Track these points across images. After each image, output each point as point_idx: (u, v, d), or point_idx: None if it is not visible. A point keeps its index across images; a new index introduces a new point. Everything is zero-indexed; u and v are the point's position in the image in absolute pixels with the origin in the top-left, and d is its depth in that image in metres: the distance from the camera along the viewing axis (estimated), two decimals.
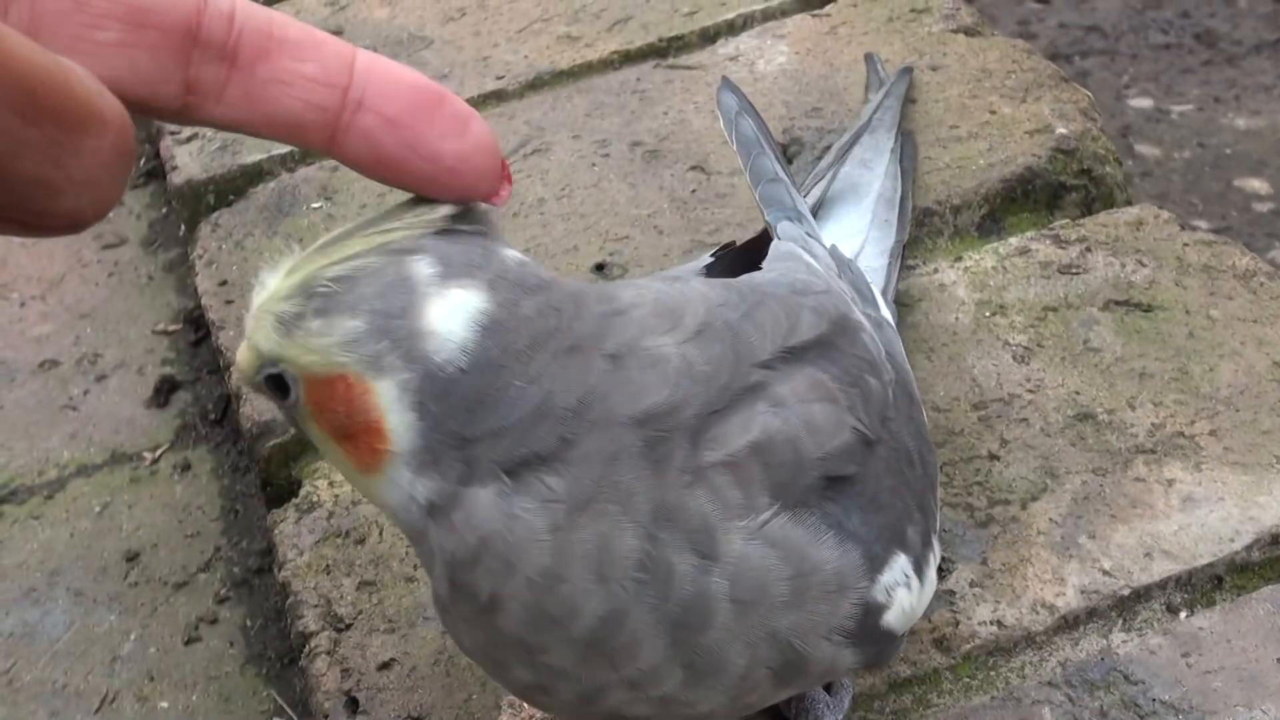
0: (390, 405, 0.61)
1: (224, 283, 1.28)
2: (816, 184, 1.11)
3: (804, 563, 0.67)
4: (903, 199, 1.11)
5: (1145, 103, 2.03)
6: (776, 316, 0.73)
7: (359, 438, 0.62)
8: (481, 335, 0.61)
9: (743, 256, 0.92)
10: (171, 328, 1.44)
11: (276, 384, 0.64)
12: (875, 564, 0.71)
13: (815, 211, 1.08)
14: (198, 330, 1.41)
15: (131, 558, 1.24)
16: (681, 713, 0.72)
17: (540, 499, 0.62)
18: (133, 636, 1.17)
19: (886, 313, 0.95)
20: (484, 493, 0.62)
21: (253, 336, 0.64)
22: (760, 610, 0.66)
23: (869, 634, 0.71)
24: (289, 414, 0.66)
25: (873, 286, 0.96)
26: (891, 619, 0.72)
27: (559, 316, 0.64)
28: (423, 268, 0.61)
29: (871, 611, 0.71)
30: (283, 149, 1.41)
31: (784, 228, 0.95)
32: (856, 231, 1.07)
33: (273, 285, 0.63)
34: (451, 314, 0.61)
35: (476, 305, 0.61)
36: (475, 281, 0.62)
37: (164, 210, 1.57)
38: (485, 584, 0.64)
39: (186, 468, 1.32)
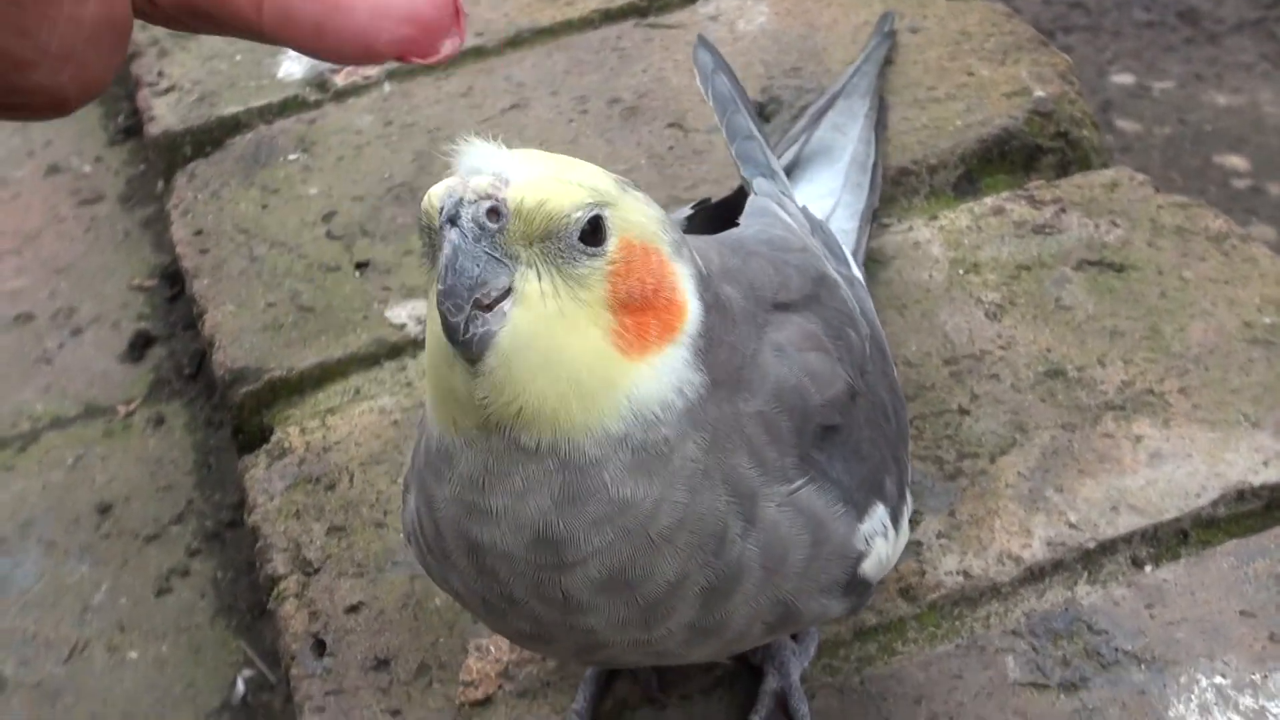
0: (689, 287, 0.64)
1: (199, 232, 1.28)
2: (790, 146, 1.12)
3: (820, 530, 0.68)
4: (875, 164, 1.11)
5: (1127, 79, 2.03)
6: (767, 271, 0.74)
7: (655, 311, 0.62)
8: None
9: (720, 212, 0.92)
10: (147, 283, 1.44)
11: (594, 226, 0.60)
12: (858, 513, 0.72)
13: (789, 172, 1.09)
14: (174, 285, 1.41)
15: (104, 510, 1.24)
16: (670, 660, 0.72)
17: (689, 472, 0.63)
18: (104, 587, 1.17)
19: (857, 272, 0.95)
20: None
21: (573, 178, 0.61)
22: (777, 576, 0.67)
23: (852, 584, 0.71)
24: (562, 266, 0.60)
25: (844, 248, 0.96)
26: (869, 568, 0.72)
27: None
28: None
29: (856, 562, 0.71)
30: (260, 101, 1.41)
31: (760, 184, 0.95)
32: (829, 194, 1.07)
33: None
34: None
35: None
36: None
37: (142, 167, 1.57)
38: (602, 536, 0.62)
39: (160, 421, 1.32)
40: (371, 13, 0.52)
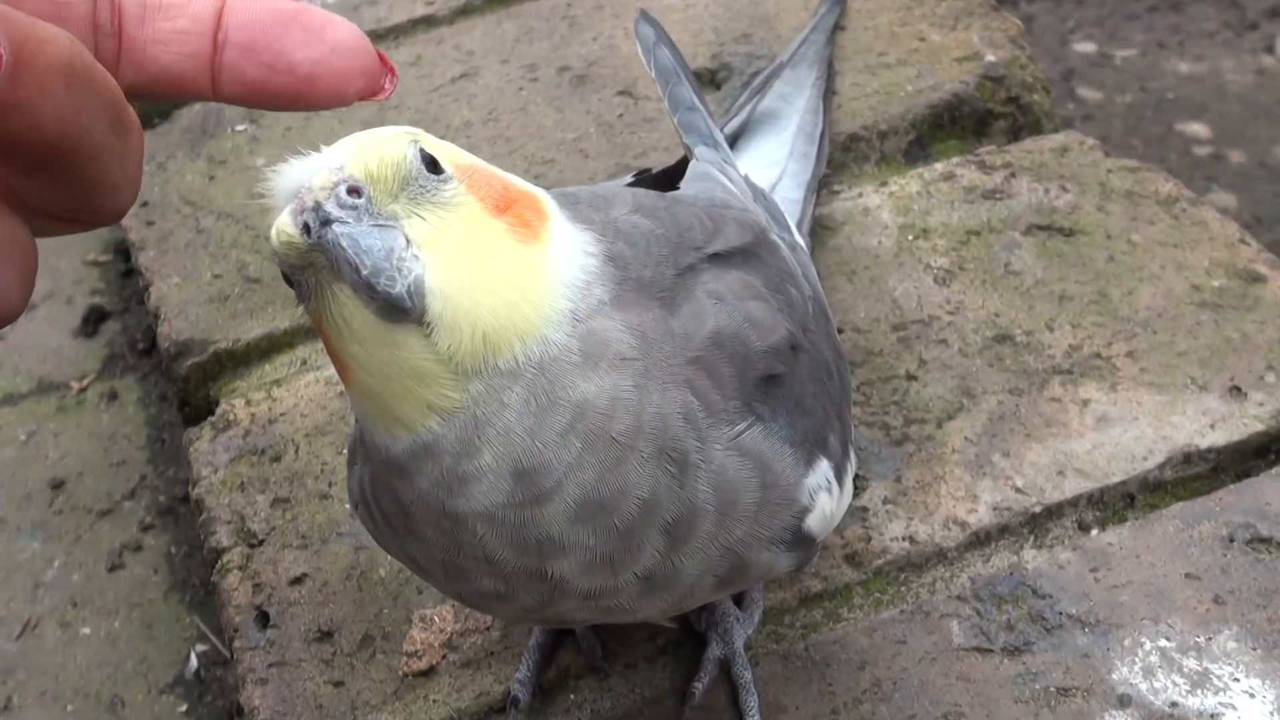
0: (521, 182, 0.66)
1: (145, 204, 1.27)
2: (735, 117, 1.11)
3: (768, 475, 0.68)
4: (822, 134, 1.11)
5: (1089, 47, 2.03)
6: (700, 218, 0.74)
7: (518, 203, 0.63)
8: None
9: (663, 180, 0.92)
10: (101, 258, 1.43)
11: (428, 158, 0.61)
12: (804, 467, 0.71)
13: (734, 143, 1.09)
14: (127, 260, 1.40)
15: (57, 485, 1.24)
16: (620, 617, 0.72)
17: (622, 355, 0.63)
18: (56, 563, 1.17)
19: (801, 239, 0.95)
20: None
21: (381, 133, 0.63)
22: (728, 521, 0.67)
23: (798, 539, 0.71)
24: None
25: (788, 218, 0.96)
26: (813, 522, 0.72)
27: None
28: None
29: (800, 515, 0.71)
30: None
31: (702, 152, 0.95)
32: (774, 163, 1.07)
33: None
34: None
35: None
36: None
37: None
38: (571, 448, 0.62)
39: (114, 397, 1.31)
40: (333, 78, 0.57)
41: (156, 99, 0.64)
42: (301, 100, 0.63)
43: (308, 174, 0.61)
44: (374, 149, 0.61)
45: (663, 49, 1.06)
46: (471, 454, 0.62)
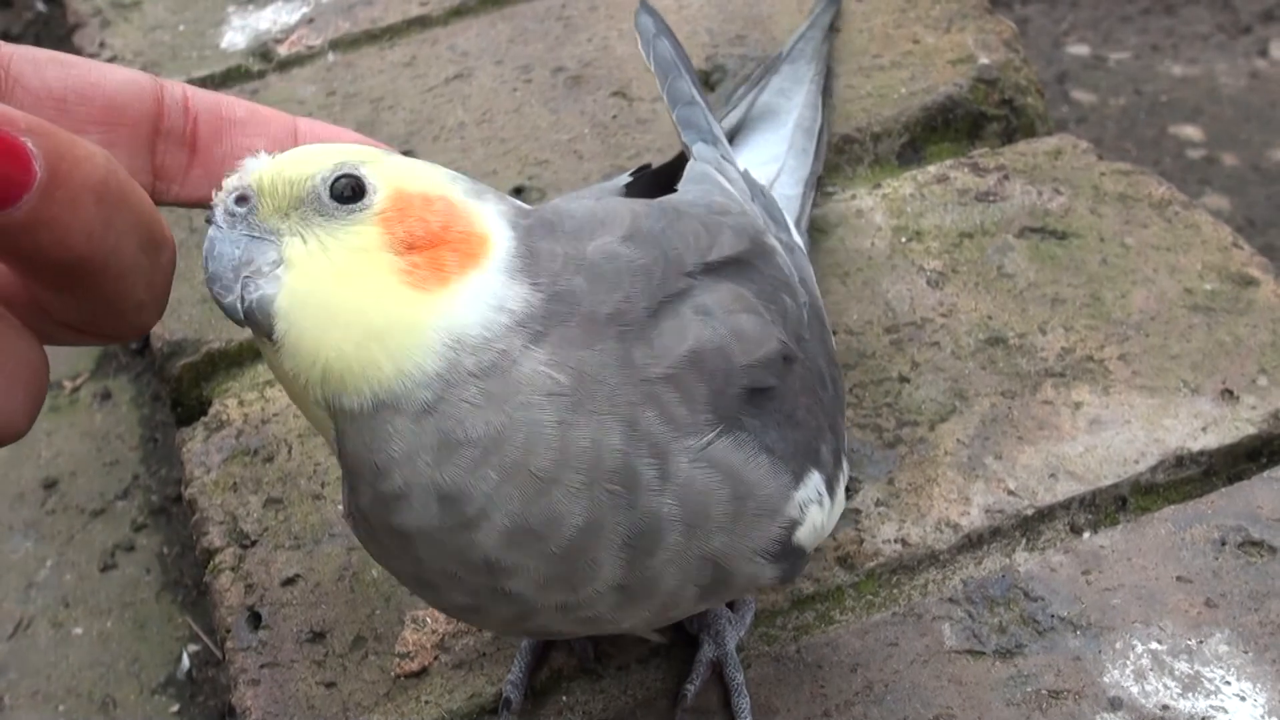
0: (495, 221, 0.65)
1: None
2: (734, 111, 1.11)
3: (740, 486, 0.68)
4: (821, 129, 1.11)
5: (1083, 50, 2.04)
6: (697, 231, 0.74)
7: (450, 245, 0.63)
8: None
9: (660, 178, 0.92)
10: None
11: (349, 183, 0.62)
12: (793, 480, 0.71)
13: (733, 137, 1.08)
14: None
15: (49, 485, 1.24)
16: (604, 628, 0.72)
17: (546, 391, 0.62)
18: (49, 563, 1.17)
19: (798, 238, 0.95)
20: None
21: (320, 151, 0.64)
22: (700, 532, 0.67)
23: (785, 551, 0.71)
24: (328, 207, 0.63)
25: (786, 214, 0.96)
26: (803, 535, 0.72)
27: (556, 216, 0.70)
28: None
29: (789, 528, 0.71)
30: (203, 71, 1.39)
31: (700, 149, 0.94)
32: (773, 159, 1.06)
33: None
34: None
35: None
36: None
37: None
38: (488, 480, 0.62)
39: (107, 396, 1.31)
40: None
41: None
42: None
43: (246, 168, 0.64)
44: (280, 164, 0.63)
45: (663, 40, 1.06)
46: (382, 476, 0.63)
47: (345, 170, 0.63)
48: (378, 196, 0.63)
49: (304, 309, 0.61)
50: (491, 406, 0.61)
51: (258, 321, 0.61)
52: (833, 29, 1.27)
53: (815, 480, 0.73)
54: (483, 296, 0.63)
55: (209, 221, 0.62)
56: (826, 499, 0.75)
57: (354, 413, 0.61)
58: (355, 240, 0.62)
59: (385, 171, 0.63)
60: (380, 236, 0.62)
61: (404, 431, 0.61)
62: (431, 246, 0.62)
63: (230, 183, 0.63)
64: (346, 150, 0.65)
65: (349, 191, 0.62)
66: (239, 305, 0.61)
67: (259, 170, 0.63)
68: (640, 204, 0.75)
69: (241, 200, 0.62)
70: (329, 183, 0.62)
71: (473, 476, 0.62)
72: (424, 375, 0.61)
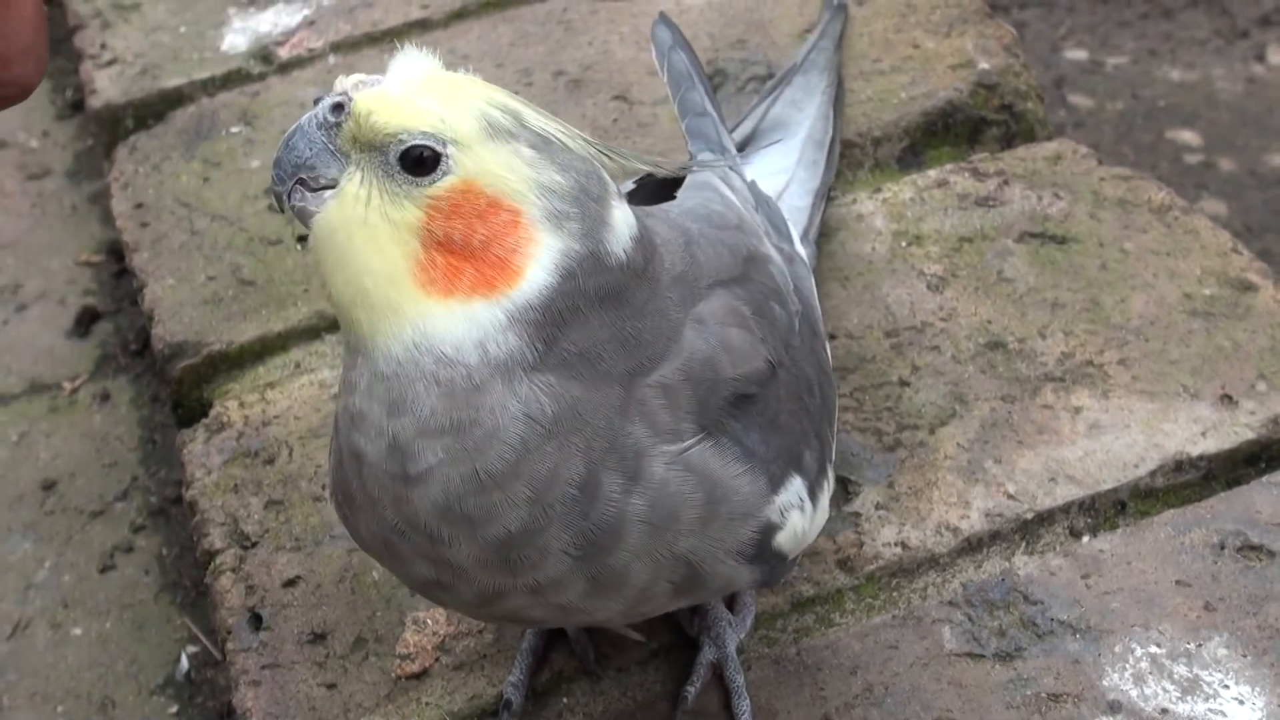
0: (543, 260, 0.63)
1: (140, 205, 1.27)
2: (745, 122, 1.11)
3: (716, 490, 0.68)
4: (832, 141, 1.11)
5: (1080, 54, 2.04)
6: (719, 252, 0.75)
7: (477, 263, 0.62)
8: (634, 248, 0.66)
9: (664, 187, 0.92)
10: (94, 259, 1.43)
11: (420, 156, 0.62)
12: (773, 484, 0.72)
13: (743, 147, 1.08)
14: (120, 261, 1.39)
15: (48, 486, 1.23)
16: (579, 618, 0.73)
17: (521, 413, 0.63)
18: (47, 564, 1.17)
19: (801, 249, 0.95)
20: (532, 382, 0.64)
21: (433, 106, 0.62)
22: (668, 534, 0.67)
23: (763, 554, 0.72)
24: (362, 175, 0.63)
25: (791, 225, 0.96)
26: (783, 540, 0.73)
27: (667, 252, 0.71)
28: (608, 177, 0.66)
29: (766, 531, 0.71)
30: (203, 74, 1.40)
31: (704, 159, 0.95)
32: (782, 170, 1.07)
33: (459, 78, 0.65)
34: (627, 221, 0.66)
35: (635, 223, 0.67)
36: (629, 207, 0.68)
37: (89, 141, 1.56)
38: (434, 453, 0.63)
39: (106, 397, 1.31)
40: None
41: None
42: None
43: (391, 73, 0.64)
44: (385, 102, 0.62)
45: (679, 53, 1.07)
46: (349, 391, 0.66)
47: (425, 143, 0.62)
48: (444, 181, 0.62)
49: (329, 241, 0.63)
50: (452, 405, 0.63)
51: (295, 218, 0.64)
52: (843, 35, 1.28)
53: (797, 485, 0.74)
54: (468, 328, 0.62)
55: (316, 102, 0.63)
56: (809, 505, 0.75)
57: (350, 345, 0.65)
58: (395, 211, 0.62)
59: (471, 158, 0.62)
60: (419, 222, 0.62)
61: (367, 377, 0.64)
62: (460, 257, 0.62)
63: (348, 85, 0.63)
64: (456, 117, 0.62)
65: (419, 162, 0.62)
66: (286, 199, 0.63)
67: (368, 97, 0.62)
68: (663, 226, 0.75)
69: (338, 109, 0.62)
70: (403, 149, 0.61)
71: (419, 443, 0.63)
72: (387, 353, 0.63)
